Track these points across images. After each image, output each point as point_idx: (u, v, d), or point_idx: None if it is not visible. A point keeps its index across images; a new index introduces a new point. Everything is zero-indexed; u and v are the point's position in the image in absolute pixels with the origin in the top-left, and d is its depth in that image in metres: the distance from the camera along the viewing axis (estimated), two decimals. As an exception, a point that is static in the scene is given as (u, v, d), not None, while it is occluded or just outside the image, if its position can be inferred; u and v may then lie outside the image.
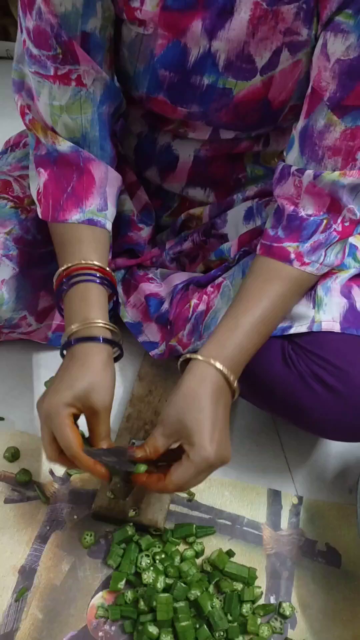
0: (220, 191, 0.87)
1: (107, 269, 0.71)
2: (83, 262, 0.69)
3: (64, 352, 0.67)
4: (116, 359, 0.70)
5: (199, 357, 0.63)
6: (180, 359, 0.66)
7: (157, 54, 0.68)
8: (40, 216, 0.74)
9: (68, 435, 0.60)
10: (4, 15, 1.96)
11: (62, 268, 0.70)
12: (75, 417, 0.63)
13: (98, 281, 0.69)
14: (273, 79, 0.68)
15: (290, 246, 0.67)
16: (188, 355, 0.65)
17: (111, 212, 0.75)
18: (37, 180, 0.75)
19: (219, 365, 0.62)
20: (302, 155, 0.66)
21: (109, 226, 0.74)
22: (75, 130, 0.72)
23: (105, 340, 0.66)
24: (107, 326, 0.67)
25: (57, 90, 0.69)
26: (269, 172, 0.86)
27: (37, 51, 0.67)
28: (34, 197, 0.76)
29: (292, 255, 0.67)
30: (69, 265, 0.69)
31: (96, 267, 0.69)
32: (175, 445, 0.62)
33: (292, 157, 0.68)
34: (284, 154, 0.71)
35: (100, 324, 0.66)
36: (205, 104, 0.71)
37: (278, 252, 0.67)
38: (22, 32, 0.69)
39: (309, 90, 0.65)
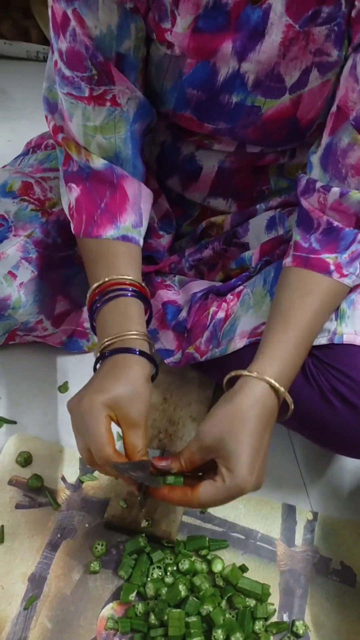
0: (243, 202, 0.86)
1: (142, 284, 0.69)
2: (119, 277, 0.67)
3: (97, 365, 0.65)
4: (152, 379, 0.67)
5: (252, 374, 0.59)
6: (227, 377, 0.63)
7: (186, 73, 0.67)
8: (73, 232, 0.73)
9: (102, 436, 0.57)
10: (24, 17, 1.96)
11: (97, 283, 0.68)
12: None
13: (135, 295, 0.67)
14: (302, 98, 0.67)
15: (329, 257, 0.65)
16: (237, 373, 0.61)
17: (144, 228, 0.74)
18: (68, 195, 0.73)
19: (274, 384, 0.59)
20: (325, 172, 0.65)
21: (141, 242, 0.73)
22: (109, 149, 0.70)
23: (142, 354, 0.63)
24: (145, 339, 0.65)
25: (91, 111, 0.68)
26: (293, 185, 0.85)
27: (70, 73, 0.66)
28: (66, 212, 0.74)
29: (332, 267, 0.65)
30: (105, 280, 0.67)
31: (131, 282, 0.68)
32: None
33: (315, 172, 0.67)
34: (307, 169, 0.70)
35: (138, 337, 0.64)
36: (232, 121, 0.71)
37: (317, 263, 0.66)
38: (53, 53, 0.68)
39: (334, 108, 0.64)
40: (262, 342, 0.64)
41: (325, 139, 0.65)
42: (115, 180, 0.71)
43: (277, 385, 0.59)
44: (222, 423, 0.58)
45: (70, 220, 0.74)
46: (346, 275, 0.66)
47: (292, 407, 0.61)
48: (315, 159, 0.67)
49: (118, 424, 0.61)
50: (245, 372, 0.60)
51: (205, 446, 0.58)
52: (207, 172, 0.82)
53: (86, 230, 0.71)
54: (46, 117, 0.77)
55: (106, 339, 0.64)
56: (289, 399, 0.61)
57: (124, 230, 0.71)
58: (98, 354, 0.65)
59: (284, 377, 0.61)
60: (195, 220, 0.90)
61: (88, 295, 0.69)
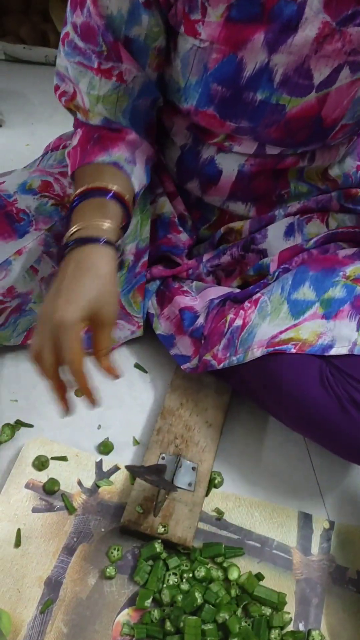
0: (262, 206, 0.86)
1: (127, 197, 0.68)
2: (102, 184, 0.67)
3: (64, 255, 0.64)
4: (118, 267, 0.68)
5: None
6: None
7: (211, 68, 0.67)
8: (69, 172, 0.73)
9: (79, 350, 0.58)
10: (43, 21, 1.98)
11: (78, 190, 0.68)
12: None
13: (112, 197, 0.67)
14: (328, 96, 0.67)
15: None
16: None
17: (139, 172, 0.73)
18: (72, 141, 0.75)
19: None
20: None
21: (134, 181, 0.72)
22: (109, 118, 0.73)
23: (107, 243, 0.63)
24: (114, 231, 0.64)
25: (97, 81, 0.70)
26: (312, 189, 0.85)
27: (83, 44, 0.68)
28: (66, 157, 0.75)
29: None
30: (85, 186, 0.67)
31: (115, 190, 0.67)
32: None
33: None
34: (329, 171, 0.70)
35: (108, 225, 0.64)
36: (256, 119, 0.71)
37: None
38: (66, 25, 0.70)
39: None
40: None
41: None
42: (115, 128, 0.73)
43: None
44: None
45: (68, 161, 0.74)
46: None
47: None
48: None
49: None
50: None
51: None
52: (226, 176, 0.82)
53: (80, 160, 0.71)
54: (56, 88, 0.78)
55: (74, 227, 0.64)
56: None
57: (117, 158, 0.71)
58: (65, 240, 0.64)
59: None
60: (214, 225, 0.90)
61: (70, 200, 0.69)
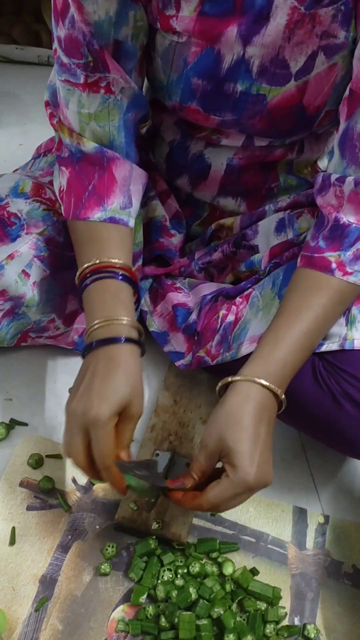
0: (252, 201, 0.86)
1: (133, 269, 0.70)
2: (109, 260, 0.68)
3: (86, 352, 0.65)
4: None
5: (239, 378, 0.61)
6: (220, 384, 0.64)
7: (190, 62, 0.67)
8: (63, 214, 0.74)
9: (111, 447, 0.59)
10: (36, 21, 1.98)
11: (87, 264, 0.68)
12: None
13: (125, 280, 0.68)
14: (308, 84, 0.67)
15: (332, 256, 0.65)
16: (229, 379, 0.62)
17: (135, 208, 0.74)
18: (60, 179, 0.75)
19: (263, 382, 0.60)
20: (342, 158, 0.65)
21: (131, 223, 0.73)
22: (102, 137, 0.72)
23: (129, 340, 0.64)
24: (135, 325, 0.65)
25: (86, 98, 0.69)
26: (302, 183, 0.85)
27: (67, 60, 0.67)
28: (57, 195, 0.76)
29: (334, 265, 0.65)
30: (95, 262, 0.68)
31: (121, 266, 0.68)
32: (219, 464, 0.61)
33: (333, 162, 0.67)
34: (319, 162, 0.70)
35: (127, 323, 0.65)
36: (238, 111, 0.71)
37: (319, 262, 0.65)
38: (54, 41, 0.69)
39: (348, 92, 0.64)
40: (260, 341, 0.64)
41: (342, 125, 0.65)
42: (105, 162, 0.72)
43: (264, 382, 0.60)
44: (218, 425, 0.60)
45: (60, 203, 0.74)
46: (350, 273, 0.65)
47: (284, 401, 0.62)
48: (334, 145, 0.66)
49: None
50: (235, 378, 0.62)
51: (210, 452, 0.60)
52: (215, 170, 0.82)
53: (74, 212, 0.72)
54: (46, 104, 0.78)
55: (95, 322, 0.65)
56: (281, 395, 0.61)
57: (112, 212, 0.71)
58: (88, 340, 0.65)
59: (277, 377, 0.61)
60: (205, 221, 0.90)
61: (77, 274, 0.69)
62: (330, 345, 0.70)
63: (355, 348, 0.69)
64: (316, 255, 0.66)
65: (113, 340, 0.63)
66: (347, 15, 0.62)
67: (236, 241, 0.86)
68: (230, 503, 0.59)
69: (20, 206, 0.81)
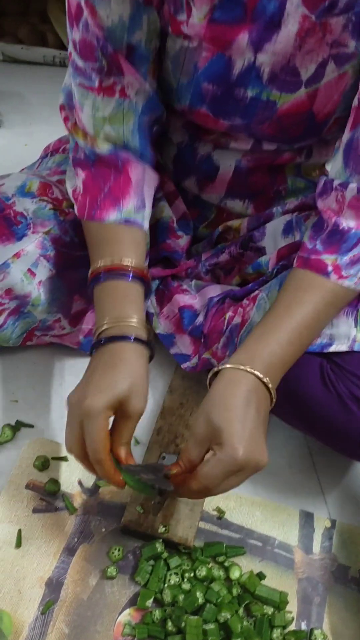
0: (260, 203, 0.86)
1: (144, 270, 0.70)
2: (121, 261, 0.68)
3: (94, 350, 0.65)
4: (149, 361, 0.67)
5: (227, 366, 0.61)
6: (210, 374, 0.64)
7: (201, 67, 0.67)
8: (77, 214, 0.74)
9: (102, 439, 0.59)
10: (42, 21, 1.98)
11: (98, 265, 0.69)
12: None
13: (136, 280, 0.68)
14: (318, 92, 0.67)
15: (329, 258, 0.65)
16: (216, 368, 0.62)
17: (148, 211, 0.74)
18: (75, 180, 0.75)
19: (248, 369, 0.60)
20: (345, 167, 0.65)
21: (146, 225, 0.73)
22: (117, 140, 0.72)
23: (137, 340, 0.64)
24: (144, 326, 0.65)
25: (100, 101, 0.70)
26: (310, 185, 0.84)
27: (82, 63, 0.68)
28: (70, 196, 0.76)
29: (330, 268, 0.65)
30: (105, 263, 0.68)
31: (133, 268, 0.68)
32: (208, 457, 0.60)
33: (335, 168, 0.66)
34: (326, 166, 0.70)
35: (136, 323, 0.65)
36: (248, 116, 0.70)
37: (315, 264, 0.65)
38: (68, 44, 0.69)
39: (356, 102, 0.64)
40: (248, 335, 0.64)
41: (346, 134, 0.65)
42: (120, 164, 0.72)
43: (249, 369, 0.59)
44: (204, 409, 0.59)
45: (75, 203, 0.75)
46: (346, 277, 0.65)
47: (273, 390, 0.61)
48: (338, 154, 0.66)
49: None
50: (222, 366, 0.61)
51: (199, 438, 0.59)
52: (223, 172, 0.82)
53: (89, 213, 0.72)
54: (61, 108, 0.78)
55: (105, 322, 0.65)
56: (269, 384, 0.61)
57: (127, 214, 0.72)
58: (96, 338, 0.65)
59: (265, 365, 0.61)
60: (212, 223, 0.90)
61: (89, 273, 0.70)
62: (339, 347, 0.70)
63: None
64: (313, 257, 0.66)
65: (120, 339, 0.63)
66: (357, 26, 0.62)
67: (243, 243, 0.86)
68: (222, 485, 0.57)
69: (26, 205, 0.81)
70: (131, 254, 0.70)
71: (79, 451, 0.61)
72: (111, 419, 0.62)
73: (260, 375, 0.60)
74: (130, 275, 0.68)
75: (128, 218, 0.72)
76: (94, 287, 0.69)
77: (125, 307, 0.66)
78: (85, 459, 0.61)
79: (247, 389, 0.59)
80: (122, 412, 0.61)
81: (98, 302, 0.68)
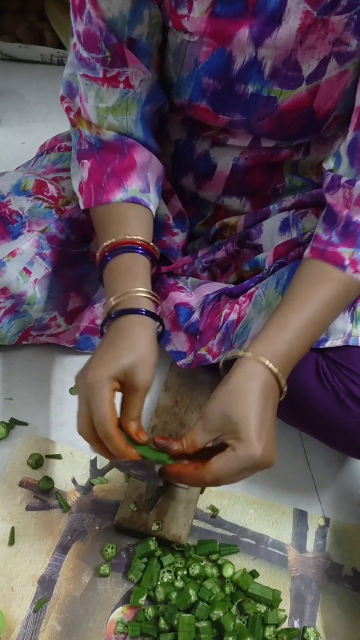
0: (257, 201, 0.86)
1: (152, 245, 0.69)
2: (127, 237, 0.68)
3: (104, 328, 0.65)
4: (159, 336, 0.66)
5: (248, 354, 0.59)
6: (224, 358, 0.63)
7: (202, 62, 0.67)
8: (82, 207, 0.74)
9: (106, 412, 0.57)
10: (39, 20, 1.98)
11: (106, 243, 0.68)
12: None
13: (141, 252, 0.67)
14: (319, 88, 0.67)
15: (346, 252, 0.64)
16: (235, 353, 0.61)
17: (153, 197, 0.74)
18: (81, 172, 0.75)
19: (268, 364, 0.59)
20: (352, 166, 0.65)
21: (152, 208, 0.73)
22: (120, 130, 0.72)
23: (148, 314, 0.63)
24: (151, 296, 0.65)
25: (104, 92, 0.70)
26: (307, 183, 0.84)
27: (86, 54, 0.68)
28: (76, 190, 0.75)
29: (347, 262, 0.64)
30: (112, 240, 0.68)
31: (140, 242, 0.68)
32: (209, 444, 0.59)
33: (343, 168, 0.66)
34: (323, 164, 0.70)
35: (143, 295, 0.64)
36: (248, 112, 0.70)
37: (332, 256, 0.65)
38: (73, 35, 0.69)
39: (359, 101, 0.63)
40: (265, 325, 0.63)
41: (350, 134, 0.65)
42: (126, 149, 0.72)
43: (269, 364, 0.59)
44: (223, 401, 0.58)
45: (80, 196, 0.74)
46: None
47: (285, 389, 0.61)
48: (343, 152, 0.66)
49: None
50: (240, 353, 0.60)
51: (210, 427, 0.58)
52: (221, 170, 0.81)
53: (96, 198, 0.72)
54: (62, 98, 0.78)
55: (112, 298, 0.64)
56: (282, 382, 0.60)
57: (133, 193, 0.71)
58: (106, 314, 0.65)
59: (282, 360, 0.60)
60: (209, 220, 0.90)
61: (97, 254, 0.69)
62: (334, 342, 0.70)
63: (359, 344, 0.69)
64: (329, 249, 0.65)
65: (126, 312, 0.63)
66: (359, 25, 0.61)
67: (240, 240, 0.85)
68: (233, 478, 0.57)
69: (22, 204, 0.81)
70: (136, 229, 0.69)
71: (88, 430, 0.59)
72: (119, 397, 0.61)
73: (277, 372, 0.59)
74: (135, 248, 0.67)
75: (135, 196, 0.71)
76: (102, 269, 0.68)
77: (130, 281, 0.65)
78: (96, 439, 0.59)
79: (266, 385, 0.59)
80: (129, 386, 0.60)
81: (106, 281, 0.68)
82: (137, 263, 0.67)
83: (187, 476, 0.59)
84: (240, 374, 0.59)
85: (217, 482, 0.57)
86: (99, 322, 0.94)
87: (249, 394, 0.57)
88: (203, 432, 0.59)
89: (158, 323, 0.66)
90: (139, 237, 0.68)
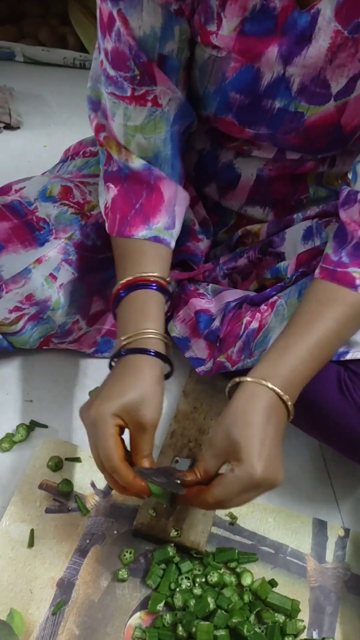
0: (280, 211, 0.86)
1: (167, 280, 0.70)
2: (144, 274, 0.68)
3: (113, 362, 0.66)
4: (166, 377, 0.67)
5: (248, 379, 0.60)
6: (229, 384, 0.63)
7: (229, 77, 0.67)
8: (107, 230, 0.74)
9: (110, 447, 0.58)
10: (62, 24, 1.99)
11: (122, 281, 0.69)
12: (121, 431, 0.61)
13: (155, 288, 0.68)
14: (347, 105, 0.67)
15: (356, 272, 0.64)
16: (237, 379, 0.62)
17: (177, 231, 0.74)
18: (106, 195, 0.74)
19: (270, 385, 0.59)
20: None
21: (172, 245, 0.73)
22: (148, 149, 0.71)
23: (157, 355, 0.64)
24: (161, 338, 0.65)
25: (132, 111, 0.69)
26: (332, 194, 0.84)
27: (114, 72, 0.67)
28: (102, 211, 0.76)
29: (358, 282, 0.64)
30: (129, 278, 0.68)
31: (155, 279, 0.68)
32: (223, 469, 0.60)
33: (359, 184, 0.66)
34: (349, 175, 0.69)
35: (154, 336, 0.65)
36: (274, 126, 0.70)
37: (342, 277, 0.64)
38: (99, 52, 0.69)
39: None
40: (268, 348, 0.63)
41: None
42: (153, 181, 0.72)
43: (269, 384, 0.59)
44: (224, 423, 0.58)
45: (105, 219, 0.74)
46: None
47: (291, 411, 0.60)
48: (359, 169, 0.66)
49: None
50: (243, 378, 0.61)
51: (216, 451, 0.58)
52: (245, 180, 0.81)
53: (119, 229, 0.72)
54: (89, 116, 0.78)
55: (123, 338, 0.65)
56: (287, 401, 0.60)
57: (156, 232, 0.71)
58: (116, 351, 0.65)
59: (285, 381, 0.60)
60: (231, 229, 0.90)
61: (113, 290, 0.70)
62: (355, 354, 0.69)
63: None
64: (339, 269, 0.65)
65: (135, 351, 0.64)
66: None
67: (262, 248, 0.85)
68: (236, 500, 0.57)
69: (48, 210, 0.82)
70: (153, 266, 0.69)
71: (98, 462, 0.61)
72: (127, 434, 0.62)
73: (281, 393, 0.59)
74: (151, 285, 0.68)
75: (157, 235, 0.71)
76: (116, 306, 0.69)
77: (142, 321, 0.66)
78: (106, 471, 0.61)
79: (268, 405, 0.59)
80: (135, 423, 0.61)
81: (118, 318, 0.68)
82: (151, 300, 0.67)
83: (193, 499, 0.59)
84: (242, 396, 0.59)
85: (220, 505, 0.58)
86: None
87: (249, 414, 0.58)
88: (212, 458, 0.59)
89: (167, 365, 0.66)
90: (154, 274, 0.68)
